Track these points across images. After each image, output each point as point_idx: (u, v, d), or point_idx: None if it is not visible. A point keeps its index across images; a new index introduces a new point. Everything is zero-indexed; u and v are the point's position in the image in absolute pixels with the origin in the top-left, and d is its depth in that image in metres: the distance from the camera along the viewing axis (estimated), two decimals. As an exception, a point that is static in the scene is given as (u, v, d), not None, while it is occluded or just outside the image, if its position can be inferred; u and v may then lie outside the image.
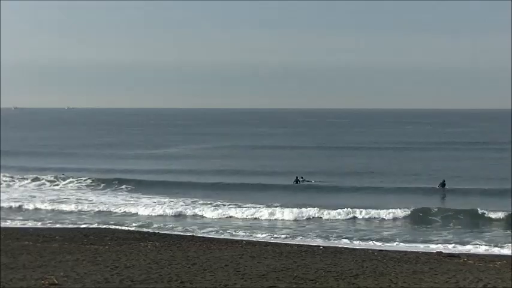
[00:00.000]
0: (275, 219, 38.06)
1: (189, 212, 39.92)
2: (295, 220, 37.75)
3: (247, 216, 38.73)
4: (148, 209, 40.50)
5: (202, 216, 39.21)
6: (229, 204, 41.59)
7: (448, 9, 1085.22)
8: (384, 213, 38.15)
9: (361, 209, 38.60)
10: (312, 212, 38.51)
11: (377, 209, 38.85)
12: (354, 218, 38.04)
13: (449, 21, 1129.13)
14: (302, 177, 53.47)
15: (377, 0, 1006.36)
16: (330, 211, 38.53)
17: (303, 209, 38.75)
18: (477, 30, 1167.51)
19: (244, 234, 33.27)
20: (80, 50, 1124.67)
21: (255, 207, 40.02)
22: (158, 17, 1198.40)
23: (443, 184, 48.13)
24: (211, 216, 39.03)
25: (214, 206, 41.25)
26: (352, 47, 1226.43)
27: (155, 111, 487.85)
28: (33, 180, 53.65)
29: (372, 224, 37.12)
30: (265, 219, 38.12)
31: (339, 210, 38.59)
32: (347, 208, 38.80)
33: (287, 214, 38.42)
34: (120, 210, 40.96)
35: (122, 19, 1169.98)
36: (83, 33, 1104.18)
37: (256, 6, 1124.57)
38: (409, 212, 38.31)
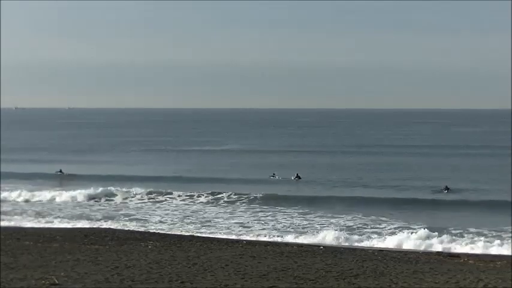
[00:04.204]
0: None
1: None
2: None
3: None
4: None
5: None
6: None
7: (448, 9, 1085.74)
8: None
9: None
10: None
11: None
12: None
13: (449, 21, 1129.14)
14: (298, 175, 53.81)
15: (377, 0, 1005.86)
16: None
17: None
18: (477, 30, 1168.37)
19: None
20: (80, 50, 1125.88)
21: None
22: (158, 17, 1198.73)
23: (446, 188, 48.24)
24: None
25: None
26: (352, 47, 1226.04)
27: (155, 111, 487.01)
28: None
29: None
30: None
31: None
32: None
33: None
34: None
35: (122, 19, 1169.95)
36: (83, 33, 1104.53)
37: (258, 6, 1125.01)
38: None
